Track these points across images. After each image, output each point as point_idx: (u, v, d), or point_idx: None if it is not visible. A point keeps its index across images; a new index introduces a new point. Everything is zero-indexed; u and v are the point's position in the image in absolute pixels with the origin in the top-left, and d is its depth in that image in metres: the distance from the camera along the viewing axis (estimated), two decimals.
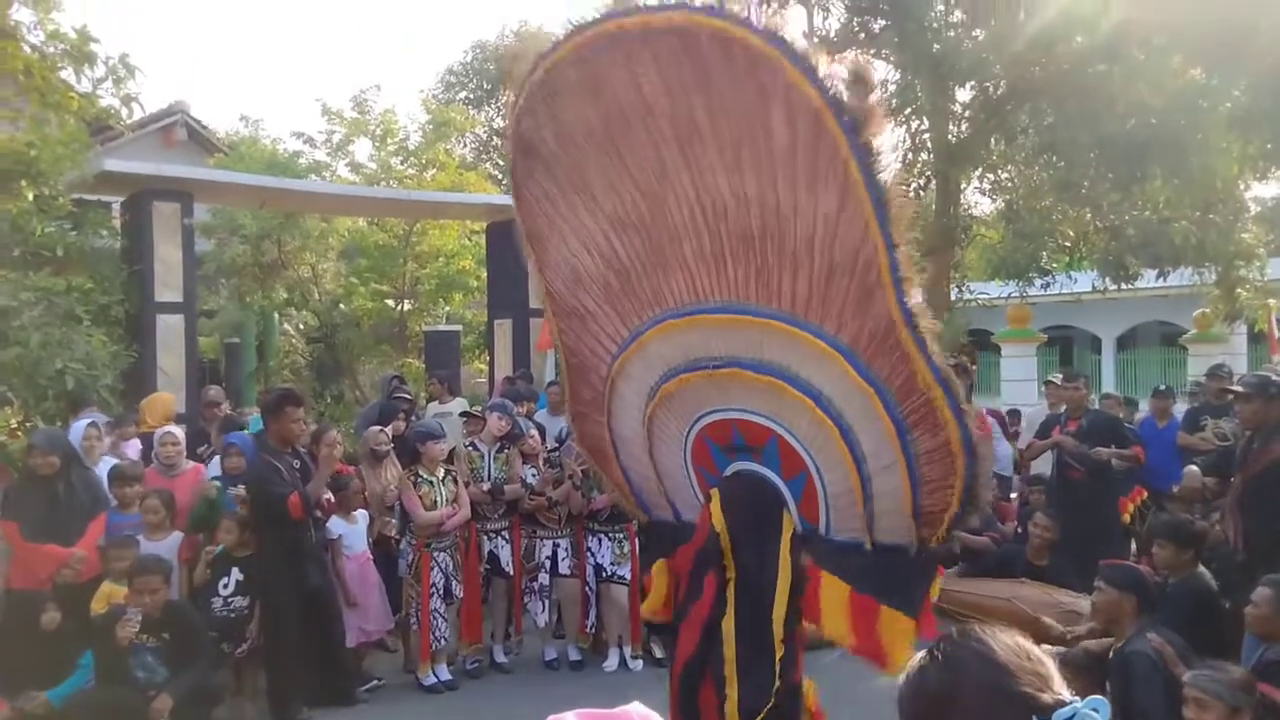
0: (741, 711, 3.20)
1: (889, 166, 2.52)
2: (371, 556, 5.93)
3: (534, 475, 6.25)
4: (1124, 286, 11.66)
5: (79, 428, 5.75)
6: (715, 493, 3.37)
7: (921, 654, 1.34)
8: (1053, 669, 1.26)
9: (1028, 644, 1.29)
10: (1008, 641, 1.28)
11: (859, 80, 2.46)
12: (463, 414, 6.94)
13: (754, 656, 3.22)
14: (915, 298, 2.65)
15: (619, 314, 3.37)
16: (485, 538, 6.13)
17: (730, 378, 3.16)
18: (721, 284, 3.03)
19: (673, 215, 3.00)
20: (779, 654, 3.17)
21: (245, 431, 6.38)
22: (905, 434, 2.89)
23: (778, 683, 3.14)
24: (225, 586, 5.26)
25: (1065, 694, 1.22)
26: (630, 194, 3.06)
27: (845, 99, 2.45)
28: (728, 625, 3.24)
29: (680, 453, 3.53)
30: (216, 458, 6.26)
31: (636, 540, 6.17)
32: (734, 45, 2.54)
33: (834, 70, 2.47)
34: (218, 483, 5.80)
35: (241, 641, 5.19)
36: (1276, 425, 4.77)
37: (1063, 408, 7.21)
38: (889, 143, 2.51)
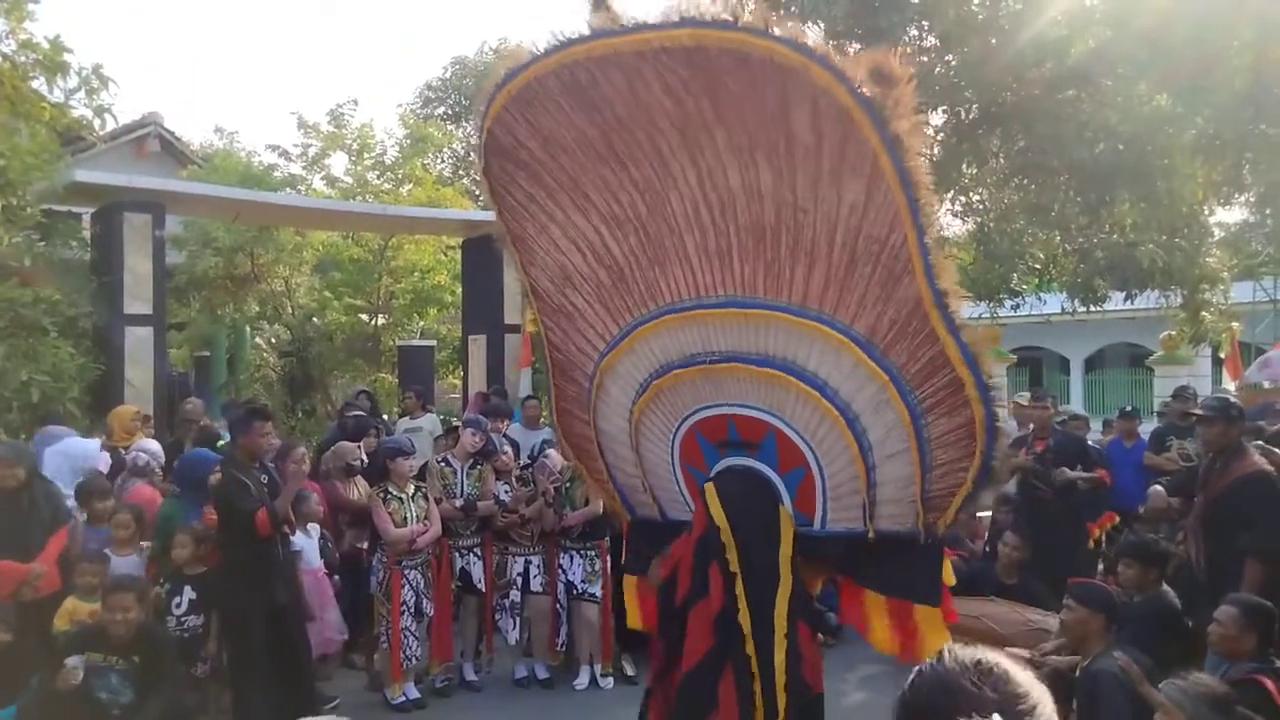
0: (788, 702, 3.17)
1: (918, 155, 2.56)
2: (328, 572, 5.87)
3: (507, 492, 6.22)
4: (1092, 309, 11.85)
5: (91, 448, 5.66)
6: (711, 487, 3.34)
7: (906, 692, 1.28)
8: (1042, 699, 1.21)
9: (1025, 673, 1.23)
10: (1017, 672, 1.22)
11: (883, 75, 2.50)
12: (441, 434, 6.81)
13: (770, 652, 3.21)
14: (945, 279, 2.70)
15: (609, 311, 3.36)
16: (457, 554, 6.08)
17: (729, 372, 3.17)
18: (725, 278, 3.03)
19: (674, 211, 2.99)
20: (783, 648, 3.16)
21: (221, 443, 6.29)
22: (919, 419, 2.94)
23: (783, 677, 3.12)
24: (178, 605, 5.13)
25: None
26: (627, 192, 3.05)
27: (874, 95, 2.49)
28: (744, 621, 3.20)
29: (668, 449, 3.51)
30: None
31: (609, 557, 6.15)
32: (752, 57, 2.53)
33: (858, 67, 2.50)
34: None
35: (198, 661, 5.07)
36: (1237, 447, 4.85)
37: (1030, 427, 7.29)
38: (917, 133, 2.55)
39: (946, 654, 1.26)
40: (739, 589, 3.21)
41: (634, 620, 3.92)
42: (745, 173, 2.79)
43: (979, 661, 1.23)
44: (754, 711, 3.15)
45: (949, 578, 3.26)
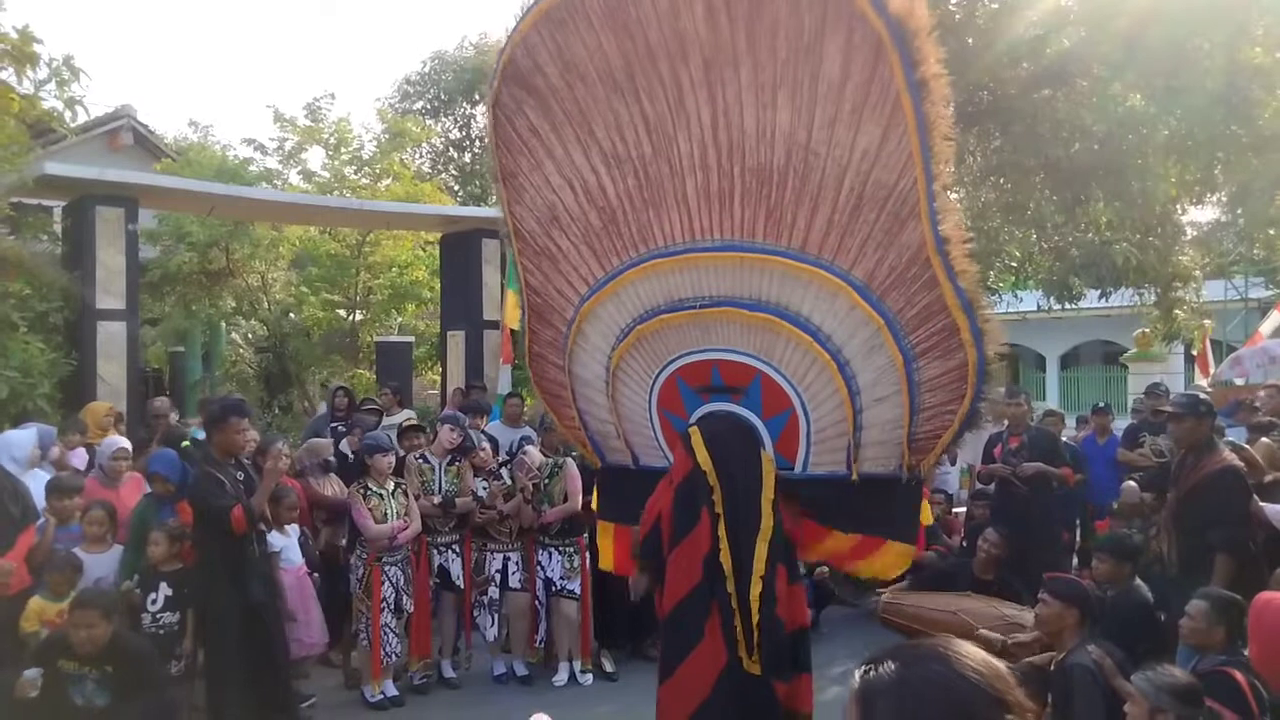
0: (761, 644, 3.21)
1: (938, 102, 2.61)
2: (308, 570, 5.82)
3: (485, 488, 6.20)
4: (1068, 306, 11.98)
5: (18, 437, 5.57)
6: (696, 430, 3.36)
7: (868, 671, 1.18)
8: (1013, 685, 1.14)
9: (995, 662, 1.16)
10: (974, 659, 1.14)
11: (914, 18, 2.55)
12: (405, 427, 6.76)
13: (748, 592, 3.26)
14: (949, 226, 2.75)
15: (595, 254, 3.36)
16: (435, 551, 6.06)
17: (720, 317, 3.19)
18: (724, 222, 3.05)
19: (679, 151, 3.01)
20: (757, 587, 3.20)
21: (185, 443, 6.22)
22: (911, 363, 3.01)
23: (756, 615, 3.17)
24: (154, 602, 5.06)
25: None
26: (634, 130, 3.06)
27: (907, 34, 2.54)
28: (725, 560, 3.24)
29: (645, 395, 3.53)
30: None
31: (587, 554, 6.15)
32: None
33: (894, 3, 2.54)
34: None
35: (173, 659, 5.02)
36: (1207, 443, 4.92)
37: (1004, 423, 7.35)
38: (940, 79, 2.60)
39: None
40: (721, 530, 3.26)
41: (606, 562, 3.99)
42: (762, 113, 2.82)
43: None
44: (737, 645, 3.21)
45: (926, 517, 3.36)
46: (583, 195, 3.27)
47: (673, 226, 3.15)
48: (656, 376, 3.45)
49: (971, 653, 1.15)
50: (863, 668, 1.18)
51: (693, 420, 3.43)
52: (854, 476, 3.25)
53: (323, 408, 9.56)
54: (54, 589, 4.78)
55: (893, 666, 1.14)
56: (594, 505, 4.20)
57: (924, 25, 2.55)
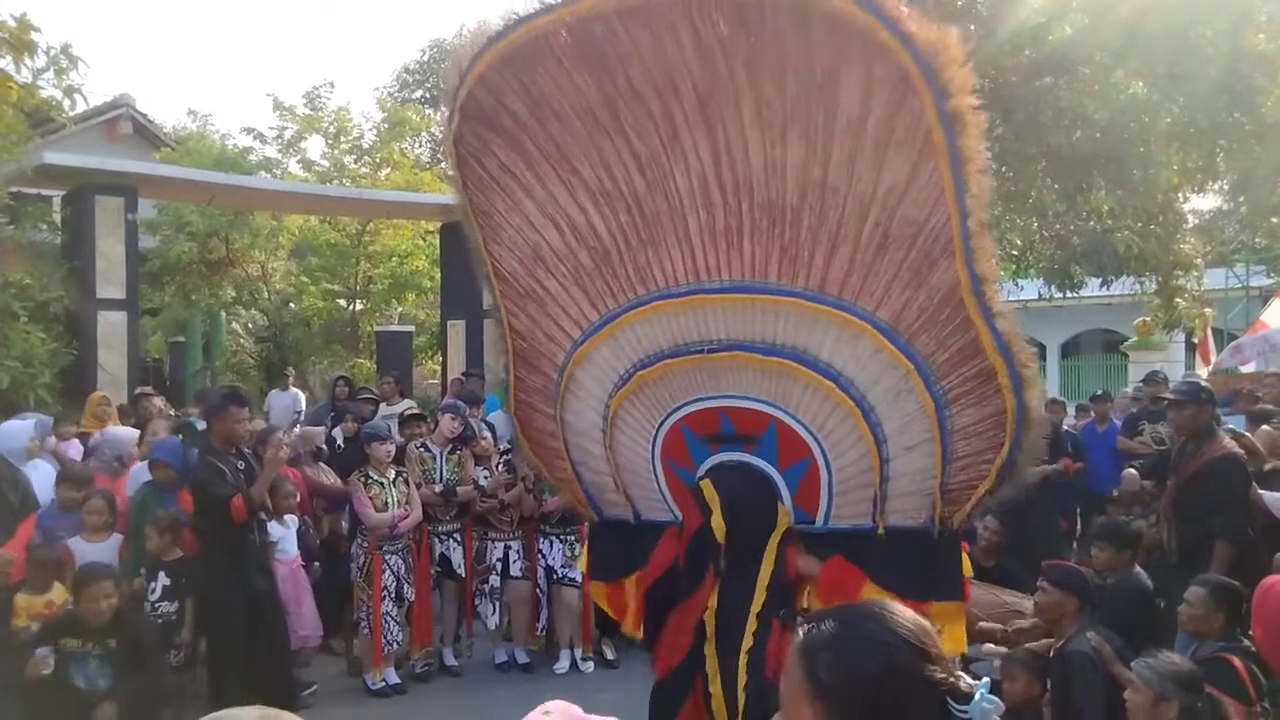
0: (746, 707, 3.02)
1: (973, 135, 2.41)
2: (309, 559, 5.83)
3: (486, 477, 6.21)
4: (1069, 295, 11.96)
5: (17, 428, 5.58)
6: (708, 483, 3.14)
7: (810, 629, 1.29)
8: (937, 641, 1.27)
9: (922, 620, 1.28)
10: (904, 617, 1.26)
11: (944, 46, 2.35)
12: (407, 416, 6.78)
13: (732, 649, 3.07)
14: (984, 265, 2.56)
15: (588, 295, 3.10)
16: (436, 540, 6.07)
17: (730, 362, 2.96)
18: (731, 261, 2.82)
19: (677, 188, 2.77)
20: (747, 646, 3.01)
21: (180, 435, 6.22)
22: (943, 409, 2.79)
23: (743, 678, 3.00)
24: (152, 591, 5.08)
25: (964, 675, 1.24)
26: (624, 167, 2.81)
27: (936, 65, 2.33)
28: (710, 620, 3.08)
29: (648, 445, 3.28)
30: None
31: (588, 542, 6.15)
32: (814, 11, 2.37)
33: (922, 32, 2.34)
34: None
35: (172, 648, 5.03)
36: (1207, 430, 4.92)
37: None
38: (975, 111, 2.39)
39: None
40: (715, 589, 3.10)
41: (630, 628, 3.69)
42: (770, 150, 2.60)
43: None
44: (709, 712, 3.07)
45: (967, 569, 3.13)
46: (570, 234, 3.00)
47: (675, 266, 2.91)
48: (660, 425, 3.21)
49: (901, 611, 1.28)
50: (805, 626, 1.30)
51: (702, 472, 3.20)
52: (880, 530, 3.03)
53: (301, 403, 9.70)
54: (34, 584, 4.76)
55: (831, 624, 1.27)
56: (583, 565, 3.95)
57: (957, 56, 2.33)
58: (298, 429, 7.18)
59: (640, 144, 2.75)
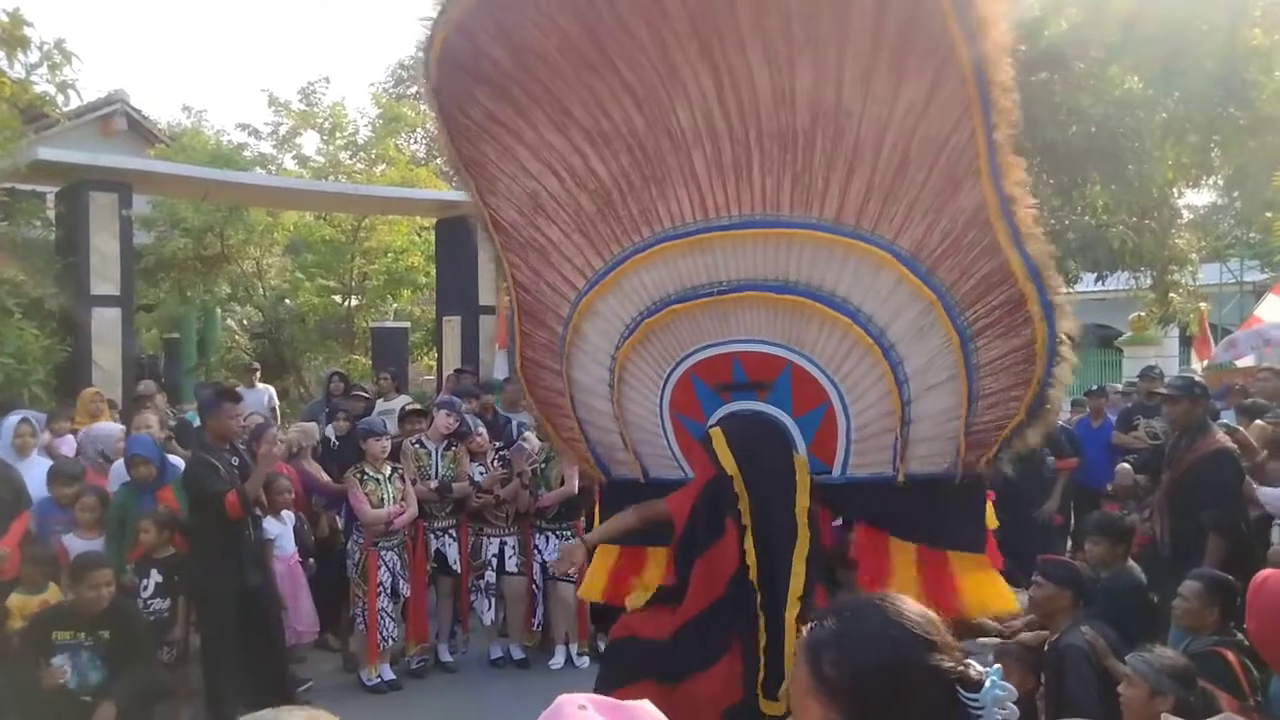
0: (765, 685, 2.84)
1: (997, 45, 2.27)
2: (305, 556, 5.82)
3: (482, 473, 6.21)
4: (1064, 290, 11.97)
5: (9, 424, 5.57)
6: (719, 431, 3.01)
7: (814, 626, 1.27)
8: (942, 629, 1.25)
9: (926, 610, 1.25)
10: (906, 607, 1.24)
11: None
12: (407, 412, 6.77)
13: (780, 613, 2.89)
14: (1012, 182, 2.41)
15: (591, 242, 2.99)
16: (432, 536, 6.07)
17: (741, 303, 2.84)
18: (741, 195, 2.70)
19: (679, 123, 2.63)
20: (794, 610, 2.83)
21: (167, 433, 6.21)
22: (968, 343, 2.65)
23: (790, 646, 2.82)
24: (145, 589, 5.07)
25: (973, 663, 1.22)
26: (620, 105, 2.69)
27: None
28: (754, 578, 2.92)
29: (656, 398, 3.16)
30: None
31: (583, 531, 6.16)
32: None
33: None
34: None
35: (164, 645, 5.01)
36: (1201, 425, 4.94)
37: None
38: (1000, 20, 2.25)
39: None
40: (748, 543, 2.92)
41: (593, 591, 3.57)
42: (777, 75, 2.44)
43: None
44: (758, 671, 2.88)
45: (991, 520, 2.96)
46: (569, 179, 2.89)
47: (681, 205, 2.78)
48: (668, 376, 3.08)
49: (904, 601, 1.26)
50: (810, 624, 1.29)
51: (712, 422, 3.08)
52: (900, 478, 2.88)
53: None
54: (29, 582, 4.75)
55: (834, 620, 1.26)
56: (593, 526, 3.80)
57: None
58: (294, 427, 7.15)
59: (634, 79, 2.62)
